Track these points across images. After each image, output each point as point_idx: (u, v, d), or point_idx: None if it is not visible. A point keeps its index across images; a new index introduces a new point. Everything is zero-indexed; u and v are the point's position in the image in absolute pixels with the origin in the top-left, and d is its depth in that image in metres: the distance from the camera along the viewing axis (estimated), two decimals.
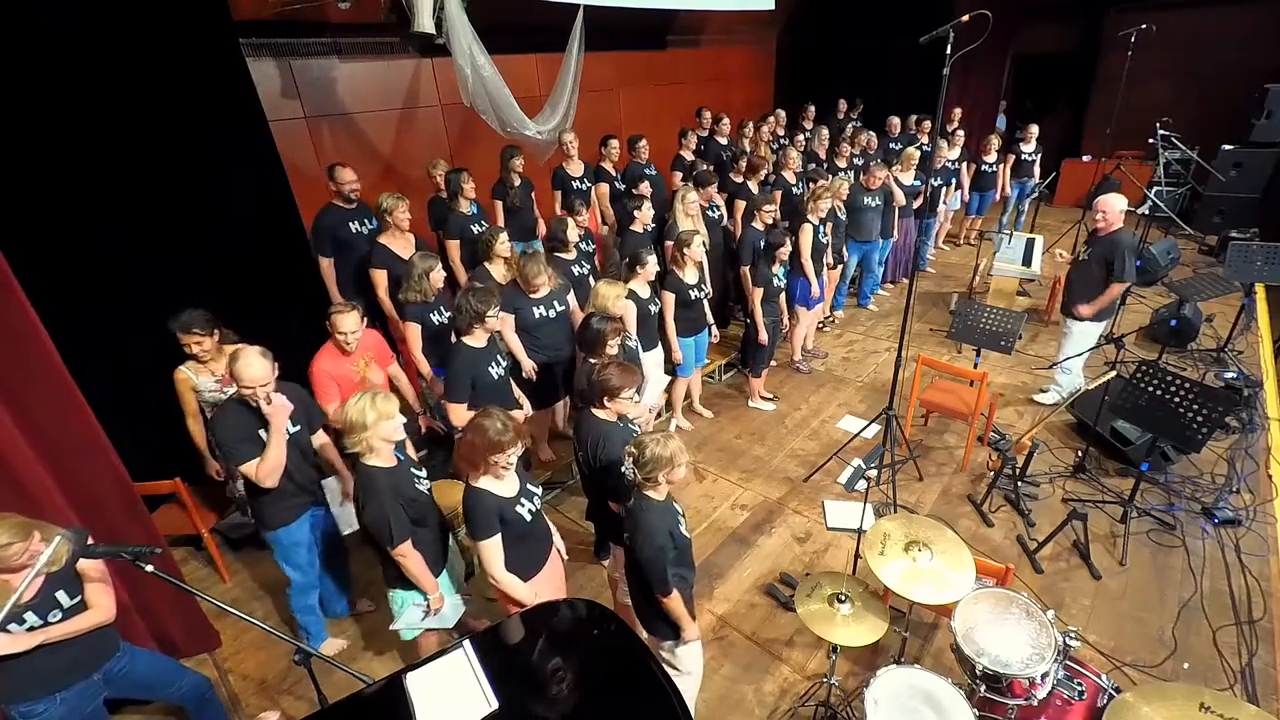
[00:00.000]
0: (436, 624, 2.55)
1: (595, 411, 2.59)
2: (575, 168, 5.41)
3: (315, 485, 2.85)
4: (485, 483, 2.22)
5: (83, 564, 2.05)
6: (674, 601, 2.15)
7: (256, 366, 2.41)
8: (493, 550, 2.22)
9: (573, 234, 4.10)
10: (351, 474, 2.75)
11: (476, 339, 3.11)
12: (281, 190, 4.10)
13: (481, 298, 3.05)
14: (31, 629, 1.95)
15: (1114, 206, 4.12)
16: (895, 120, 7.79)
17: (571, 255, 4.16)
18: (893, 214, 6.22)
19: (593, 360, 3.02)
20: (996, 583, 2.39)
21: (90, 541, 1.95)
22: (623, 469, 2.14)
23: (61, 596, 2.02)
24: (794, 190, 5.91)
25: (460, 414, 3.07)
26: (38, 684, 2.00)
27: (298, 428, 2.70)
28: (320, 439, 2.91)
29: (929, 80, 3.24)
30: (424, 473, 2.57)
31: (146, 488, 2.93)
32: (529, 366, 3.69)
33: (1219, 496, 3.71)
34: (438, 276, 3.57)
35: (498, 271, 3.90)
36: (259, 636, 3.14)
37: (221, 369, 3.05)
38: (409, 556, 2.34)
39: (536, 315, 3.65)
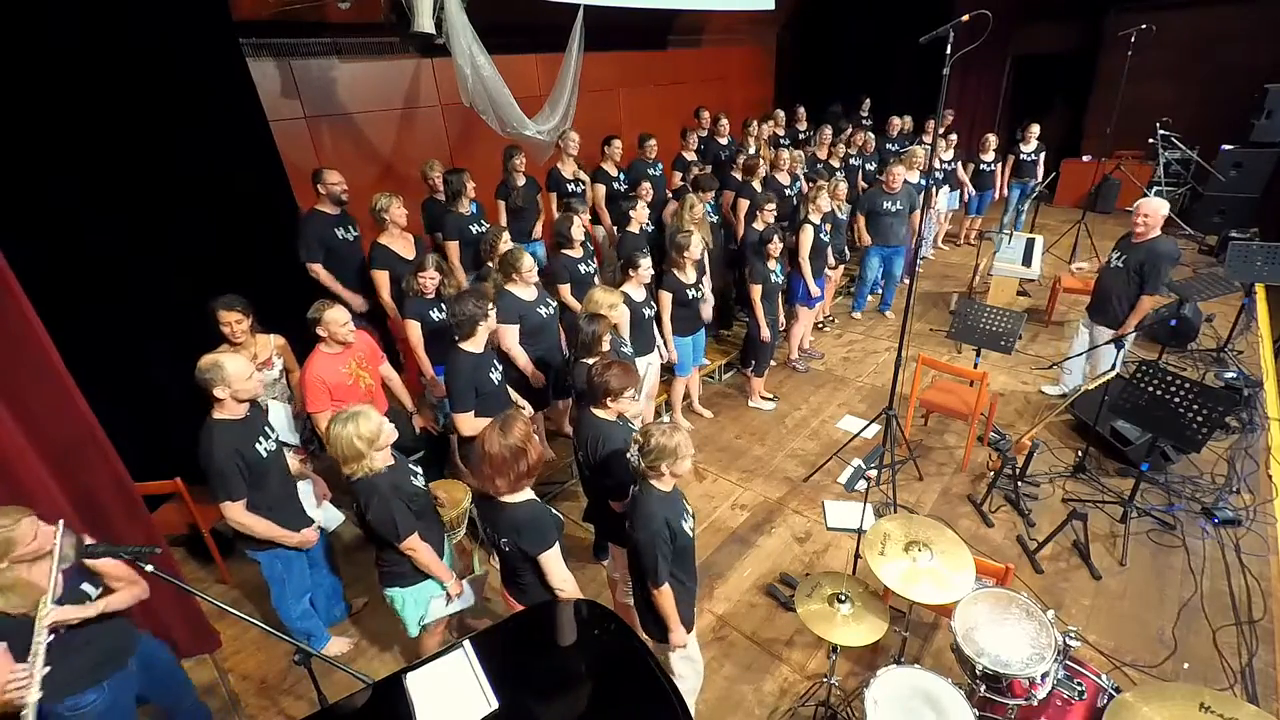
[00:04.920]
0: (460, 605, 2.60)
1: (595, 411, 2.59)
2: (569, 169, 5.39)
3: (298, 500, 2.86)
4: (527, 493, 2.19)
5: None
6: (664, 596, 2.11)
7: (244, 364, 2.49)
8: (558, 559, 2.19)
9: (578, 232, 4.09)
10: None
11: (475, 344, 3.09)
12: (282, 190, 4.10)
13: (478, 300, 3.04)
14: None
15: (1157, 211, 3.93)
16: (896, 120, 7.79)
17: (578, 254, 4.16)
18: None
19: (586, 360, 3.02)
20: (996, 583, 2.39)
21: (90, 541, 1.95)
22: (627, 455, 2.13)
23: (88, 588, 2.04)
24: (786, 191, 5.90)
25: (469, 423, 3.05)
26: (84, 674, 2.03)
27: (275, 447, 2.69)
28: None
29: (929, 80, 3.25)
30: (419, 470, 2.58)
31: (146, 488, 2.93)
32: (539, 377, 3.68)
33: (1219, 496, 3.71)
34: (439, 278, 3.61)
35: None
36: (259, 636, 3.14)
37: (252, 354, 3.08)
38: (419, 549, 2.38)
39: (543, 315, 3.65)
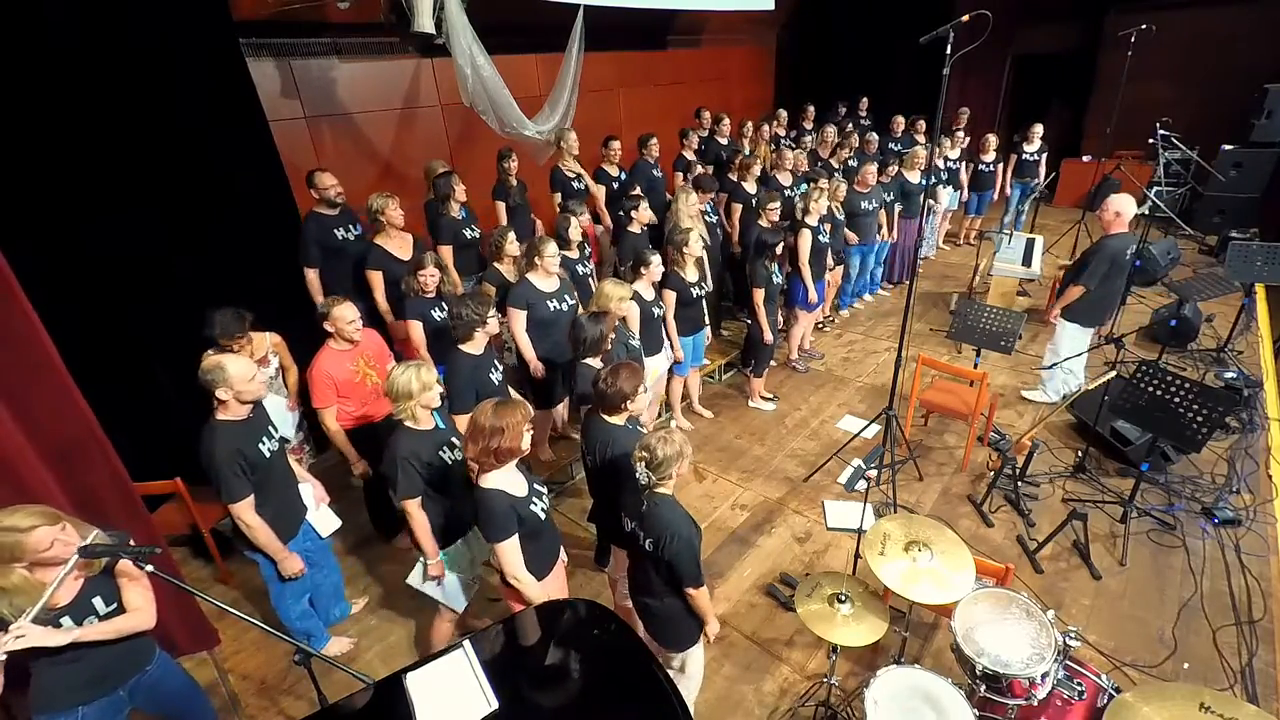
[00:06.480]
0: (440, 598, 2.62)
1: (605, 416, 2.56)
2: (573, 168, 5.40)
3: (299, 497, 2.85)
4: (497, 482, 2.18)
5: (121, 565, 2.02)
6: (703, 595, 2.16)
7: (246, 365, 2.49)
8: (512, 551, 2.19)
9: (575, 233, 4.09)
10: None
11: (475, 346, 3.09)
12: (281, 191, 4.10)
13: (479, 303, 3.04)
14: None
15: (1110, 206, 4.04)
16: (900, 119, 7.79)
17: (575, 254, 4.16)
18: (892, 214, 6.22)
19: (590, 361, 3.01)
20: (996, 583, 2.39)
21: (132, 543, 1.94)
22: (636, 475, 2.11)
23: (98, 603, 1.96)
24: (787, 192, 5.89)
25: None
26: (62, 695, 1.94)
27: (278, 446, 2.68)
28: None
29: (929, 80, 3.25)
30: (459, 443, 2.60)
31: (146, 488, 2.93)
32: (538, 368, 3.67)
33: (1219, 496, 3.71)
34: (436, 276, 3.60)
35: (508, 271, 3.90)
36: (259, 636, 3.14)
37: (249, 354, 3.08)
38: (414, 515, 2.47)
39: (551, 309, 3.63)
